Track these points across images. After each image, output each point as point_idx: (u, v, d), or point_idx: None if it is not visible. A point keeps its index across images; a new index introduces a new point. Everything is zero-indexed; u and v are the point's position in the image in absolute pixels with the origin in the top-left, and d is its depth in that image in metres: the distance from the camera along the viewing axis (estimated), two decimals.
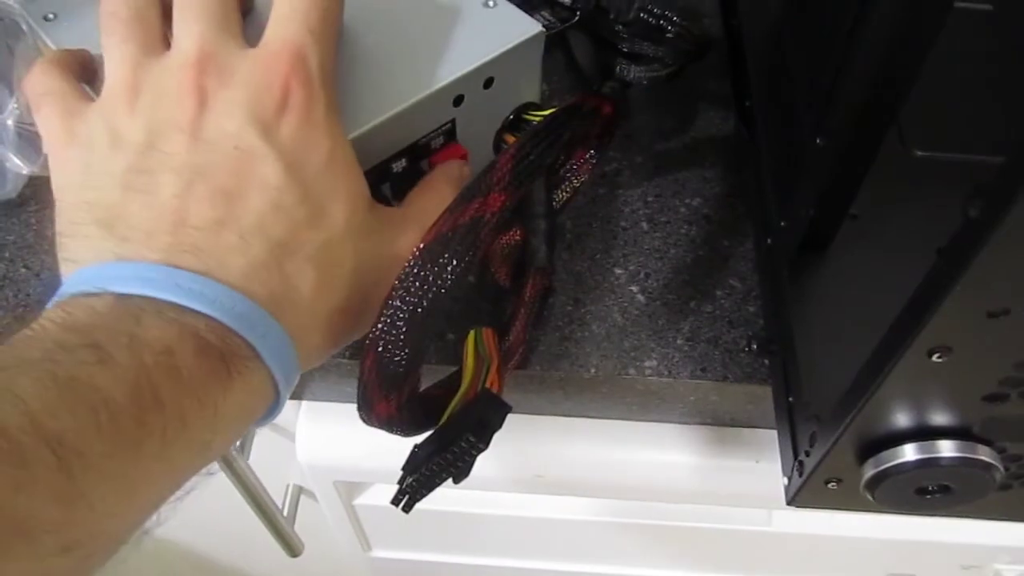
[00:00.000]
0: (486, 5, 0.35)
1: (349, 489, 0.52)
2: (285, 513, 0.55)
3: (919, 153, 0.26)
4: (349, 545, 0.59)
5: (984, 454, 0.26)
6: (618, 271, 0.40)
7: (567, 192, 0.38)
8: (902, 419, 0.25)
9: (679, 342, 0.38)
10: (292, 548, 0.56)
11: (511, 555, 0.58)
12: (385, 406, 0.28)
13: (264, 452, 0.51)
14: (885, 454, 0.26)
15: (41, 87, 0.30)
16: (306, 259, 0.27)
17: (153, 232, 0.25)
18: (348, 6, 0.34)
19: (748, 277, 0.40)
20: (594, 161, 0.38)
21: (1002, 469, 0.26)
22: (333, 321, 0.28)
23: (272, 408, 0.27)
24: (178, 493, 0.25)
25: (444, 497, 0.50)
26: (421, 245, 0.28)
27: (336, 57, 0.30)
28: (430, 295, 0.27)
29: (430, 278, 0.27)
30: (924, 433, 0.26)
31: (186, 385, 0.23)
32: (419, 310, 0.27)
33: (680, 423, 0.42)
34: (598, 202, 0.42)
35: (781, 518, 0.50)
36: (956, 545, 0.50)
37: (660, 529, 0.51)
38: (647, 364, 0.37)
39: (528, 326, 0.35)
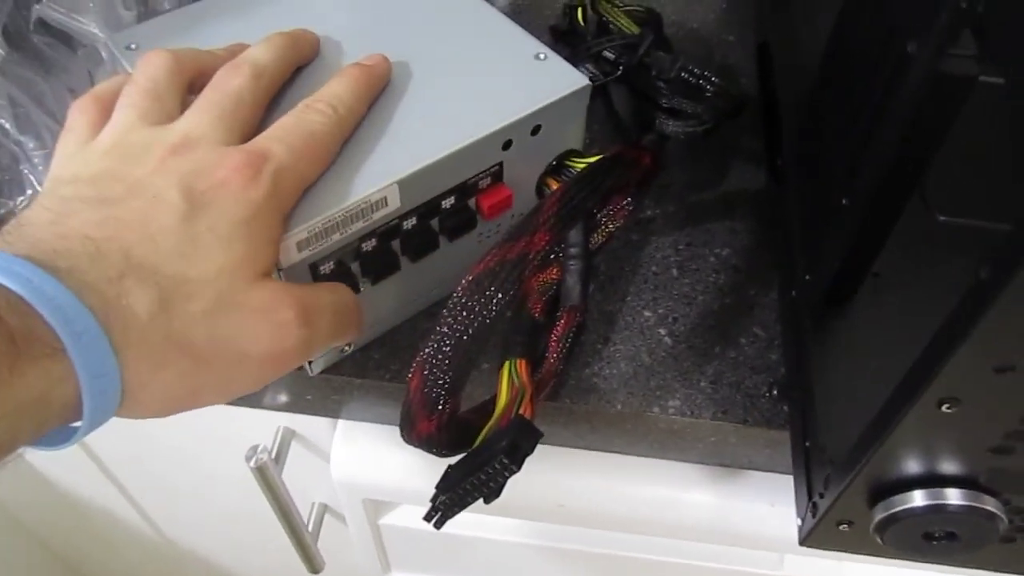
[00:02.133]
0: (537, 57, 0.37)
1: (377, 508, 0.53)
2: (310, 530, 0.57)
3: (941, 218, 0.27)
4: (368, 565, 0.60)
5: (989, 504, 0.27)
6: (647, 313, 0.42)
7: (603, 236, 0.40)
8: (912, 466, 0.27)
9: (703, 384, 0.39)
10: (314, 565, 0.57)
11: None
12: (427, 425, 0.30)
13: (292, 471, 0.52)
14: (895, 499, 0.28)
15: (68, 121, 0.32)
16: (154, 283, 0.27)
17: (35, 239, 0.27)
18: (417, 54, 0.37)
19: (771, 326, 0.41)
20: (630, 208, 0.40)
21: (1006, 520, 0.28)
22: (170, 355, 0.27)
23: (81, 419, 0.26)
24: None
25: (464, 522, 0.52)
26: (470, 277, 0.30)
27: (314, 177, 0.32)
28: (476, 324, 0.29)
29: (476, 308, 0.29)
30: (933, 480, 0.27)
31: None
32: (465, 337, 0.29)
33: (698, 463, 0.44)
34: (631, 247, 0.44)
35: (793, 563, 0.51)
36: None
37: (674, 567, 0.52)
38: (671, 403, 0.39)
39: (560, 360, 0.37)
